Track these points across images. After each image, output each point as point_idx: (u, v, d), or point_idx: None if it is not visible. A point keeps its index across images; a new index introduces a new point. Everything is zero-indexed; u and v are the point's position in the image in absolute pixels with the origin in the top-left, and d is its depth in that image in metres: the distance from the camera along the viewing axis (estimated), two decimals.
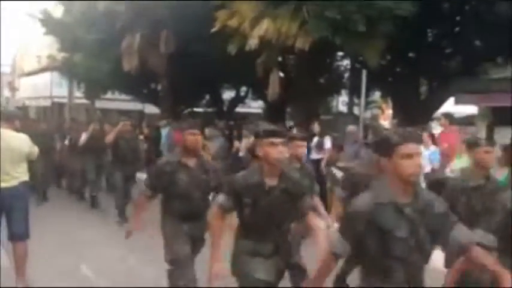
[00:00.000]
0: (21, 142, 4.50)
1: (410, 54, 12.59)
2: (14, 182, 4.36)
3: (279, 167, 2.88)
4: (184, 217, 3.72)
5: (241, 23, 8.39)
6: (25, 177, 4.49)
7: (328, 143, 7.78)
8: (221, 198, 2.98)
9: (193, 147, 3.76)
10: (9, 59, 30.78)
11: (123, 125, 7.48)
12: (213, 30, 9.15)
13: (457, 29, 10.80)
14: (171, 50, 12.48)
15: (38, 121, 12.09)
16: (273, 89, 9.58)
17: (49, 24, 15.81)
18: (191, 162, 3.76)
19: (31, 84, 27.86)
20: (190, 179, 3.70)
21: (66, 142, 9.81)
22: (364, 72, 8.41)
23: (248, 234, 2.97)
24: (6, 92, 29.81)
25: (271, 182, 2.87)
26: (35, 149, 4.71)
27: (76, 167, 9.31)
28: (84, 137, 8.53)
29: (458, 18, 10.81)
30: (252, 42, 8.08)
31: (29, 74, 28.36)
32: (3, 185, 4.29)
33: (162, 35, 12.42)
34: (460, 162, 5.81)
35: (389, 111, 20.48)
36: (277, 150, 2.80)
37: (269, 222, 2.91)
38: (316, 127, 8.16)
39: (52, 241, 6.05)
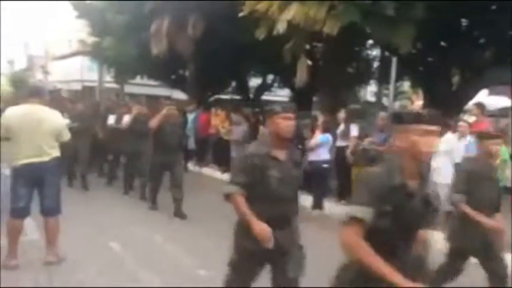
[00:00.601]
0: (52, 118, 4.55)
1: (442, 44, 12.30)
2: (45, 158, 4.45)
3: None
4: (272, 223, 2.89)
5: (270, 7, 8.32)
6: (57, 152, 4.56)
7: (354, 130, 7.69)
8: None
9: (288, 135, 3.02)
10: (41, 42, 31.50)
11: (169, 109, 7.10)
12: (241, 14, 9.12)
13: (491, 18, 10.45)
14: (198, 34, 12.52)
15: (74, 101, 11.29)
16: (301, 76, 9.49)
17: (80, 8, 16.06)
18: (282, 154, 3.01)
19: (62, 68, 28.46)
20: (282, 175, 2.96)
21: (111, 122, 9.09)
22: (394, 60, 8.22)
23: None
24: (39, 75, 30.51)
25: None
26: (67, 130, 4.73)
27: (117, 150, 8.92)
28: (127, 119, 8.08)
29: (493, 7, 10.48)
30: (280, 26, 8.00)
31: (61, 58, 28.94)
32: (36, 159, 4.39)
33: (190, 19, 12.47)
34: None
35: (419, 102, 20.12)
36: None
37: None
38: (342, 114, 8.07)
39: (84, 220, 6.18)
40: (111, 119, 9.08)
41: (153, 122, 6.92)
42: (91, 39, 17.32)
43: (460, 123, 6.47)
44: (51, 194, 4.50)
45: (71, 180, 8.61)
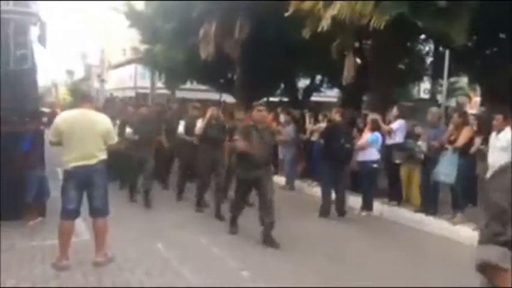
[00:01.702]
0: (101, 120, 4.66)
1: (501, 35, 11.63)
2: (94, 160, 4.56)
3: None
4: None
5: (315, 4, 8.19)
6: (104, 155, 4.67)
7: (396, 125, 7.47)
8: None
9: None
10: (97, 52, 32.88)
11: (212, 109, 7.17)
12: (287, 14, 9.04)
13: None
14: (245, 37, 12.56)
15: (138, 105, 9.51)
16: (348, 72, 9.29)
17: (132, 17, 16.61)
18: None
19: (117, 76, 29.56)
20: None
21: (181, 129, 7.98)
22: (447, 53, 7.83)
23: None
24: (96, 84, 31.87)
25: None
26: (114, 132, 4.84)
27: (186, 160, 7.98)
28: (200, 124, 7.19)
29: None
30: (325, 23, 7.84)
31: (116, 66, 30.07)
32: (85, 162, 4.51)
33: (236, 22, 12.54)
34: None
35: (477, 99, 19.17)
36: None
37: None
38: (394, 112, 7.78)
39: (133, 223, 6.33)
40: (181, 126, 8.01)
41: (198, 128, 7.06)
42: (143, 47, 17.86)
43: None
44: (100, 196, 4.60)
45: (132, 194, 7.79)
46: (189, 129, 7.64)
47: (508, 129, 6.02)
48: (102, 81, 29.91)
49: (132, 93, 26.55)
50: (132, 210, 7.09)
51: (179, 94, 22.02)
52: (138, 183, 7.81)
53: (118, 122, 8.03)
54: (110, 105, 12.63)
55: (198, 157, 7.20)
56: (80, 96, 4.87)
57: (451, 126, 6.73)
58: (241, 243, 5.58)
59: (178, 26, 14.26)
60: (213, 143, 7.03)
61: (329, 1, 7.90)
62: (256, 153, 5.52)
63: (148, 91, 24.36)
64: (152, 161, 7.65)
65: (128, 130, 7.61)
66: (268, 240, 5.43)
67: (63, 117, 4.68)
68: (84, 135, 4.49)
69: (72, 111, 4.73)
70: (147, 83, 24.11)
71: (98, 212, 4.61)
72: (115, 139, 4.76)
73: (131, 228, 5.98)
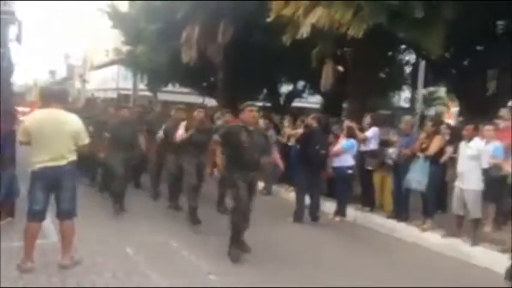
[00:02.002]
0: (71, 122, 4.57)
1: (478, 47, 11.88)
2: (63, 162, 4.49)
3: None
4: None
5: (296, 11, 8.27)
6: (74, 157, 4.60)
7: (370, 133, 7.57)
8: None
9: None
10: (80, 52, 32.59)
11: (198, 112, 6.98)
12: (269, 20, 9.10)
13: None
14: (228, 41, 12.59)
15: (118, 107, 8.81)
16: (326, 79, 9.40)
17: (115, 17, 16.52)
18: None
19: (100, 77, 29.33)
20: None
21: (161, 133, 7.79)
22: (422, 63, 7.97)
23: None
24: (78, 84, 31.54)
25: None
26: (85, 132, 4.69)
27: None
28: (181, 131, 6.89)
29: None
30: (304, 30, 7.92)
31: (98, 67, 29.84)
32: (53, 163, 4.44)
33: (219, 26, 12.57)
34: None
35: (455, 109, 19.50)
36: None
37: None
38: (367, 120, 7.88)
39: (105, 226, 6.28)
40: (161, 130, 7.82)
41: (179, 135, 6.77)
42: (125, 48, 17.76)
43: (486, 127, 6.19)
44: (68, 198, 4.53)
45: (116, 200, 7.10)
46: (170, 133, 7.34)
47: (477, 138, 6.15)
48: (84, 81, 29.64)
49: (114, 95, 26.35)
50: (105, 212, 7.01)
51: (161, 96, 21.91)
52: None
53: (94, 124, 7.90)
54: (91, 106, 12.48)
55: (183, 162, 6.91)
56: (50, 95, 4.73)
57: (422, 134, 6.85)
58: (212, 246, 5.57)
59: (161, 27, 14.25)
60: (198, 147, 6.71)
61: (308, 9, 7.98)
62: (247, 155, 5.20)
63: (130, 92, 24.21)
64: (128, 167, 7.27)
65: (106, 135, 7.35)
66: (240, 245, 5.24)
67: (32, 117, 4.61)
68: (53, 135, 4.41)
69: (41, 111, 4.66)
70: (129, 84, 23.95)
71: (65, 214, 4.54)
72: (86, 140, 4.68)
73: (102, 231, 5.93)
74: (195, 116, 6.99)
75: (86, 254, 4.82)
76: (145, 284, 4.32)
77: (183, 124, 6.98)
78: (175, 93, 21.56)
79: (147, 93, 22.08)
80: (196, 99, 21.73)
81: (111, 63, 26.07)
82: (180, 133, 6.86)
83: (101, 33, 27.14)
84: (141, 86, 21.91)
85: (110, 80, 27.21)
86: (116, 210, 6.94)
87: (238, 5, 11.73)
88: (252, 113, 5.38)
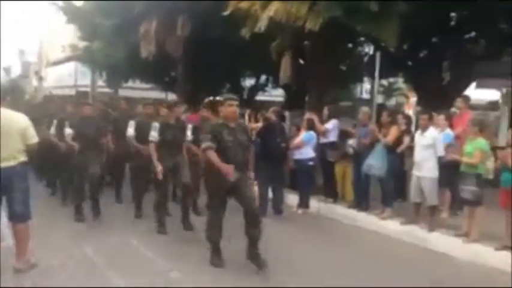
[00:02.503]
0: (18, 120, 4.43)
1: (433, 39, 12.23)
2: (12, 162, 4.34)
3: None
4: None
5: (253, 5, 8.24)
6: (24, 157, 4.45)
7: (330, 125, 7.67)
8: None
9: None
10: (35, 48, 31.46)
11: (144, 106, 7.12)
12: (225, 13, 9.03)
13: (480, 12, 10.38)
14: (187, 34, 12.43)
15: (78, 104, 8.10)
16: (284, 73, 9.42)
17: (69, 12, 15.99)
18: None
19: (56, 74, 28.41)
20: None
21: (131, 131, 7.11)
22: (378, 55, 8.13)
23: None
24: (34, 81, 30.47)
25: None
26: (32, 130, 4.53)
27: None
28: (154, 133, 6.08)
29: (481, 0, 10.41)
30: (262, 23, 7.91)
31: (55, 63, 28.92)
32: (2, 164, 4.28)
33: (178, 20, 12.38)
34: (470, 146, 5.58)
35: (414, 99, 20.01)
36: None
37: None
38: (325, 112, 7.97)
39: (63, 228, 6.13)
40: (131, 128, 7.13)
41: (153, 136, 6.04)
42: (81, 44, 17.26)
43: (440, 116, 6.37)
44: (20, 200, 4.38)
45: (78, 210, 6.59)
46: (142, 131, 6.69)
47: (432, 128, 6.33)
48: (41, 78, 28.64)
49: (72, 92, 25.60)
50: (64, 214, 6.82)
51: (122, 93, 21.44)
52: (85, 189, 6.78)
53: (55, 121, 7.52)
54: (49, 104, 12.02)
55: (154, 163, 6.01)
56: None
57: (371, 125, 7.03)
58: (172, 244, 5.51)
59: (118, 22, 13.87)
60: (171, 146, 6.06)
61: (266, 1, 7.97)
62: (231, 154, 4.71)
63: (89, 89, 23.57)
64: (97, 166, 6.63)
65: (68, 131, 6.81)
66: (255, 258, 4.71)
67: None
68: (1, 135, 4.25)
69: None
70: (87, 81, 23.30)
71: (18, 216, 4.39)
72: (34, 138, 4.52)
73: (60, 233, 5.77)
74: (175, 111, 6.33)
75: (44, 256, 4.68)
76: (104, 285, 4.23)
77: (155, 125, 6.03)
78: (137, 89, 21.12)
79: (107, 89, 21.55)
80: (159, 94, 21.40)
81: (68, 59, 25.28)
82: (153, 134, 5.97)
83: (56, 28, 26.29)
84: (100, 82, 21.37)
85: (67, 77, 26.39)
86: (94, 214, 6.54)
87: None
88: (232, 107, 4.84)
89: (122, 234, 5.90)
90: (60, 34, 26.09)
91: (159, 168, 5.82)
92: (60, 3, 16.27)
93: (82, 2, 16.32)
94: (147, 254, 5.16)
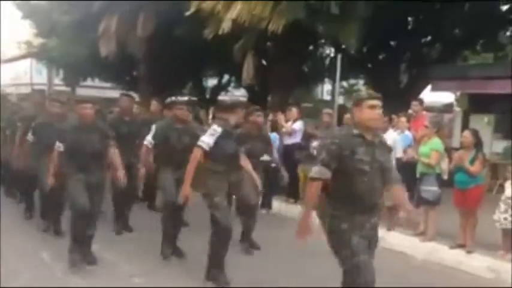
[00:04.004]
0: None
1: (392, 42, 12.59)
2: None
3: None
4: None
5: (215, 5, 8.23)
6: None
7: (297, 126, 7.74)
8: None
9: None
10: None
11: (123, 100, 6.22)
12: (188, 13, 8.97)
13: (436, 16, 10.79)
14: (148, 33, 12.24)
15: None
16: (248, 74, 9.46)
17: (25, 8, 15.46)
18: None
19: (11, 71, 27.37)
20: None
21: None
22: (339, 57, 8.31)
23: None
24: None
25: None
26: None
27: None
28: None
29: (437, 6, 10.83)
30: (225, 25, 7.92)
31: (9, 60, 27.88)
32: None
33: (139, 19, 12.18)
34: (426, 147, 5.78)
35: None
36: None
37: None
38: (292, 113, 8.04)
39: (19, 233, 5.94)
40: None
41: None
42: (37, 41, 16.71)
43: (401, 119, 6.57)
44: None
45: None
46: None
47: (391, 129, 6.52)
48: None
49: (27, 90, 24.74)
50: (18, 219, 6.58)
51: (80, 91, 20.89)
52: None
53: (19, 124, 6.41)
54: (3, 103, 11.45)
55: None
56: None
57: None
58: (136, 249, 5.43)
59: (77, 19, 13.52)
60: (125, 143, 5.48)
61: (228, 2, 7.98)
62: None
63: (45, 88, 22.83)
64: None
65: (30, 137, 5.80)
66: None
67: None
68: None
69: None
70: (43, 79, 22.59)
71: None
72: None
73: (16, 240, 5.57)
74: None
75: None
76: None
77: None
78: (96, 87, 20.62)
79: (64, 88, 20.94)
80: (118, 93, 20.94)
81: (24, 56, 24.43)
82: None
83: (11, 24, 25.33)
84: (57, 80, 20.75)
85: (23, 75, 25.48)
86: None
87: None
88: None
89: None
90: (16, 30, 25.20)
91: None
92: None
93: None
94: (109, 257, 5.05)
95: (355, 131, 3.05)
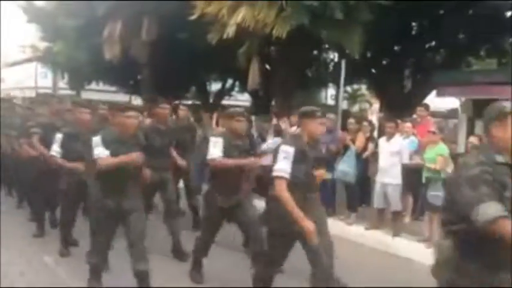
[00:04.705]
0: None
1: (395, 47, 12.57)
2: None
3: None
4: None
5: (220, 10, 8.25)
6: None
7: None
8: None
9: None
10: None
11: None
12: (192, 18, 9.00)
13: (440, 22, 10.78)
14: (153, 38, 12.29)
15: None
16: (253, 78, 9.47)
17: (30, 11, 15.55)
18: None
19: (16, 75, 27.52)
20: None
21: None
22: (343, 62, 8.31)
23: None
24: None
25: None
26: None
27: None
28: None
29: (441, 11, 10.82)
30: (230, 30, 7.94)
31: (14, 64, 28.02)
32: None
33: (143, 23, 12.23)
34: (432, 152, 5.76)
35: (377, 105, 20.48)
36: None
37: None
38: (296, 118, 8.02)
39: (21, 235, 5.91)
40: None
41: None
42: (43, 45, 16.80)
43: (406, 124, 6.55)
44: None
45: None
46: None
47: (397, 135, 6.49)
48: None
49: (32, 94, 24.84)
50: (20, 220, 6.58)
51: (85, 95, 20.96)
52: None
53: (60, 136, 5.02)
54: (7, 106, 11.47)
55: None
56: None
57: (341, 133, 7.15)
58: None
59: (81, 23, 13.59)
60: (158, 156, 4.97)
61: (233, 7, 8.00)
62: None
63: (50, 91, 22.92)
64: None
65: (56, 150, 4.91)
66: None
67: None
68: None
69: None
70: (49, 82, 22.69)
71: None
72: None
73: (19, 241, 5.57)
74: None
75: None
76: None
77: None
78: (100, 91, 20.68)
79: (69, 91, 21.03)
80: (123, 97, 21.02)
81: (28, 60, 24.57)
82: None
83: (16, 27, 25.49)
84: (61, 84, 20.84)
85: (27, 78, 25.61)
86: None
87: (161, 3, 11.47)
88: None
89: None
90: (20, 34, 25.32)
91: None
92: (22, 2, 15.81)
93: (44, 1, 15.89)
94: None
95: (499, 157, 2.15)
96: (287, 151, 3.41)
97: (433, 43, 12.21)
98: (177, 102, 17.62)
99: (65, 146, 4.81)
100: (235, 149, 4.37)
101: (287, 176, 3.36)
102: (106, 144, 3.74)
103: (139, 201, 3.95)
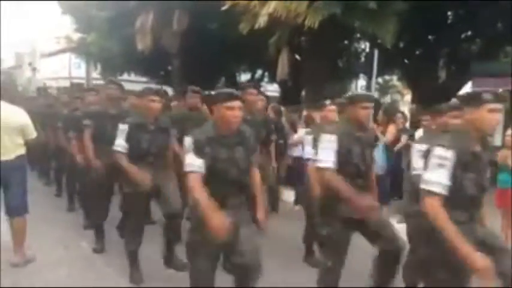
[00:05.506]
0: (16, 114, 4.42)
1: (430, 37, 12.28)
2: (11, 156, 4.34)
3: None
4: None
5: (251, 0, 8.23)
6: (22, 150, 4.45)
7: None
8: None
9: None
10: (28, 39, 31.19)
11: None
12: (223, 8, 9.02)
13: (476, 11, 10.45)
14: (183, 28, 12.39)
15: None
16: (282, 69, 9.42)
17: (65, 4, 15.90)
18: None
19: (51, 65, 28.27)
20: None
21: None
22: (376, 53, 8.17)
23: None
24: (28, 73, 30.24)
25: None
26: (32, 126, 4.51)
27: None
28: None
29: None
30: (261, 20, 7.91)
31: (49, 55, 28.75)
32: (2, 158, 4.27)
33: (175, 14, 12.34)
34: None
35: (409, 96, 20.09)
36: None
37: None
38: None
39: (59, 222, 6.08)
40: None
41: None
42: (76, 36, 17.17)
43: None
44: (17, 194, 4.38)
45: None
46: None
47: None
48: (34, 69, 28.44)
49: (66, 83, 25.50)
50: (59, 209, 6.78)
51: None
52: None
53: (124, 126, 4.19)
54: (43, 95, 11.79)
55: None
56: None
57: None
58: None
59: (114, 15, 13.82)
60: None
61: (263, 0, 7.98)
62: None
63: (83, 81, 23.47)
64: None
65: (120, 144, 4.14)
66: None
67: None
68: None
69: None
70: (82, 73, 23.21)
71: (15, 210, 4.39)
72: (33, 134, 4.52)
73: (56, 227, 5.74)
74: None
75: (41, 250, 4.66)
76: (103, 283, 4.19)
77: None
78: (132, 81, 21.01)
79: (101, 82, 21.46)
80: (155, 88, 21.25)
81: (63, 51, 25.17)
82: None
83: (50, 19, 26.09)
84: (95, 74, 21.28)
85: (62, 69, 26.30)
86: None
87: None
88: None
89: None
90: (54, 25, 25.92)
91: None
92: None
93: None
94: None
95: None
96: (444, 157, 2.49)
97: (469, 32, 11.87)
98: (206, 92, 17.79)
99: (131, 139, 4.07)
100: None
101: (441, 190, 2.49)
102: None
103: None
